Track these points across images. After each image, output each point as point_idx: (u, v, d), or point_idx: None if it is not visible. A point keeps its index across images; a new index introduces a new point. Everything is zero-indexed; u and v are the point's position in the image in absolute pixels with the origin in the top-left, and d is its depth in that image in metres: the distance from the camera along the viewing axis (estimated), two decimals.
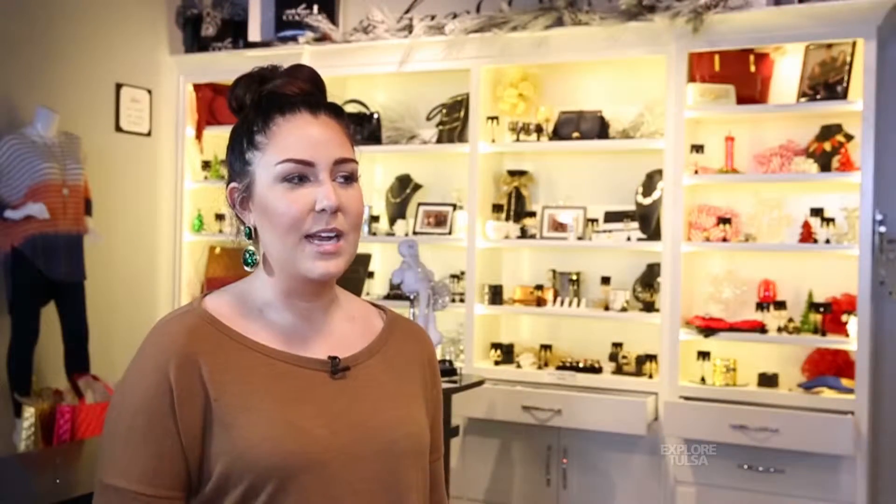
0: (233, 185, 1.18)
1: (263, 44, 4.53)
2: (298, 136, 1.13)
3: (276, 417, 1.08)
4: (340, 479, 1.10)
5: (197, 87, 4.74)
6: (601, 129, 3.93)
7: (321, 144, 1.13)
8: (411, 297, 3.20)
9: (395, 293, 4.02)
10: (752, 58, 3.75)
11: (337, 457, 1.10)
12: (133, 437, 1.07)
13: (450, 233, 4.22)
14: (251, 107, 1.17)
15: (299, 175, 1.12)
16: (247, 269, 1.19)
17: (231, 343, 1.12)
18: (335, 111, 1.18)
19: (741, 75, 3.74)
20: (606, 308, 3.90)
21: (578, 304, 3.97)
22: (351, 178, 1.15)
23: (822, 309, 3.54)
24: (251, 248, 1.18)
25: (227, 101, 1.21)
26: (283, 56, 4.18)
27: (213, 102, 4.74)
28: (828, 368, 3.58)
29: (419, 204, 4.37)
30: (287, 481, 1.07)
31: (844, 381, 3.45)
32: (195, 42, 4.75)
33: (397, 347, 1.24)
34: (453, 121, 4.21)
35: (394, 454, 1.15)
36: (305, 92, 1.17)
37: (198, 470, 1.08)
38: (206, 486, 1.08)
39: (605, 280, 3.97)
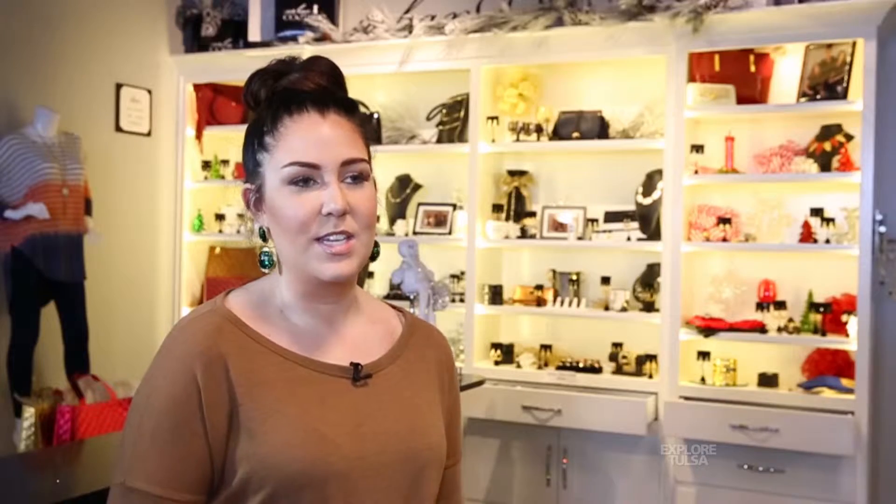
0: (246, 186, 1.16)
1: (263, 44, 4.53)
2: (305, 137, 1.10)
3: (300, 424, 1.07)
4: (361, 489, 1.08)
5: (197, 87, 4.74)
6: (601, 129, 3.93)
7: (328, 146, 1.10)
8: (411, 297, 3.20)
9: (395, 293, 4.03)
10: (752, 58, 3.75)
11: (359, 466, 1.08)
12: (159, 440, 1.05)
13: (450, 233, 4.22)
14: (264, 104, 1.15)
15: (305, 178, 1.09)
16: (263, 270, 1.17)
17: (254, 345, 1.10)
18: (346, 108, 1.14)
19: (741, 75, 3.73)
20: (606, 308, 3.90)
21: (578, 304, 3.97)
22: (360, 178, 1.12)
23: (822, 309, 3.54)
24: (267, 249, 1.16)
25: (243, 96, 1.18)
26: (282, 56, 4.17)
27: (213, 102, 4.74)
28: (828, 368, 3.58)
29: (419, 204, 4.37)
30: (308, 489, 1.05)
31: (844, 381, 3.45)
32: (195, 42, 4.75)
33: (416, 352, 1.22)
34: (453, 121, 4.21)
35: (415, 464, 1.13)
36: (321, 87, 1.14)
37: (220, 472, 1.06)
38: (226, 489, 1.06)
39: (605, 280, 3.97)
